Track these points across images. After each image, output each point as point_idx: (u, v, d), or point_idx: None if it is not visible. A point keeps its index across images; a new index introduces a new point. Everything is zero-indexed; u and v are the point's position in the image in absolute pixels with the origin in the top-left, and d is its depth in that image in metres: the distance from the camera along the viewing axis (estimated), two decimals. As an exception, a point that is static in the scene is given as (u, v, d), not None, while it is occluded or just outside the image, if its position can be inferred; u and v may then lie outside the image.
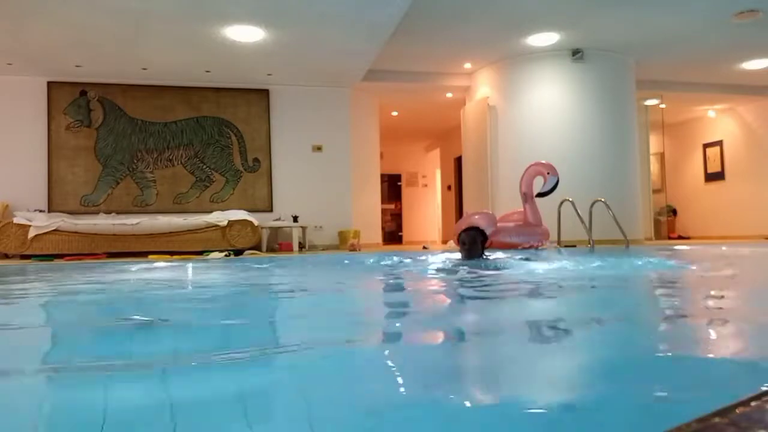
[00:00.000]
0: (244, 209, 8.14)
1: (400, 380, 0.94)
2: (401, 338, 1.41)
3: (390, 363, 1.07)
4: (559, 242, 7.28)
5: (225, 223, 7.46)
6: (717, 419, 0.55)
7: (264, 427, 0.76)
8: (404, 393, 0.87)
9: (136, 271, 4.22)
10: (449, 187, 13.08)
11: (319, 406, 0.82)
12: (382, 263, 4.61)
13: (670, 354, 1.16)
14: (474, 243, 3.74)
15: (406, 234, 14.88)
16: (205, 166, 8.45)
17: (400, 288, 3.08)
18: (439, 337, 1.41)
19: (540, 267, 3.81)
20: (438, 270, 3.73)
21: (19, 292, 2.94)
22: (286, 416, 0.80)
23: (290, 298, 2.58)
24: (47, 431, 0.80)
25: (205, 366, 1.07)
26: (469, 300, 2.26)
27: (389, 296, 2.76)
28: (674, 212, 12.30)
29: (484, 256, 3.86)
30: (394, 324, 1.73)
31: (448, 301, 2.33)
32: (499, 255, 4.11)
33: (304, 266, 4.90)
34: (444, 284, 2.94)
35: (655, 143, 11.50)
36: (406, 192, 15.11)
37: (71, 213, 7.77)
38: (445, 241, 11.37)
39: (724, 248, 3.39)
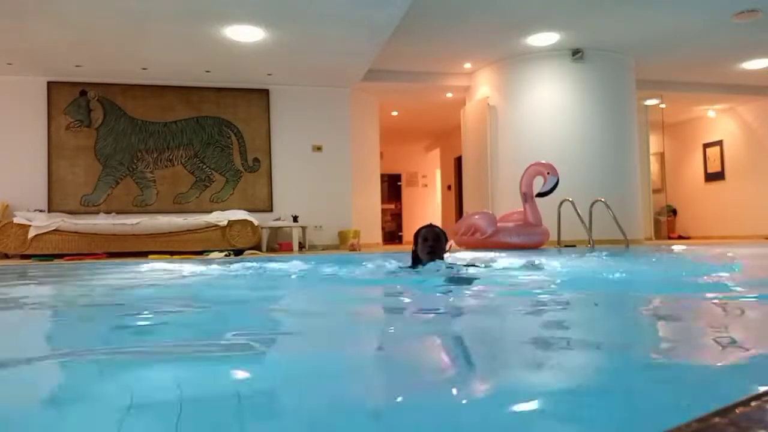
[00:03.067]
0: (244, 209, 8.14)
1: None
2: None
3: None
4: (559, 242, 7.28)
5: (225, 223, 7.46)
6: (717, 419, 0.55)
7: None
8: None
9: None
10: (449, 187, 13.08)
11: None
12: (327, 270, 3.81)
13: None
14: (438, 241, 3.06)
15: (406, 234, 14.88)
16: (205, 166, 8.45)
17: None
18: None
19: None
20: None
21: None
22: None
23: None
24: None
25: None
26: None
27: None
28: (674, 212, 12.30)
29: (445, 260, 3.11)
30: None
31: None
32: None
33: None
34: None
35: (655, 143, 11.50)
36: (406, 192, 15.12)
37: (71, 213, 7.77)
38: (445, 241, 11.36)
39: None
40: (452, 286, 2.56)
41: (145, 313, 1.96)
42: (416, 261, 3.13)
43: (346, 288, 2.98)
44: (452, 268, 2.96)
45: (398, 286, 2.81)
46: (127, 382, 0.96)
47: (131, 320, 1.79)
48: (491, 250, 6.01)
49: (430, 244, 3.04)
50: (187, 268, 4.27)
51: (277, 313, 2.06)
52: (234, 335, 1.43)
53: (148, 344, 1.39)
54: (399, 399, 0.87)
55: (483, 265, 3.35)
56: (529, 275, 3.18)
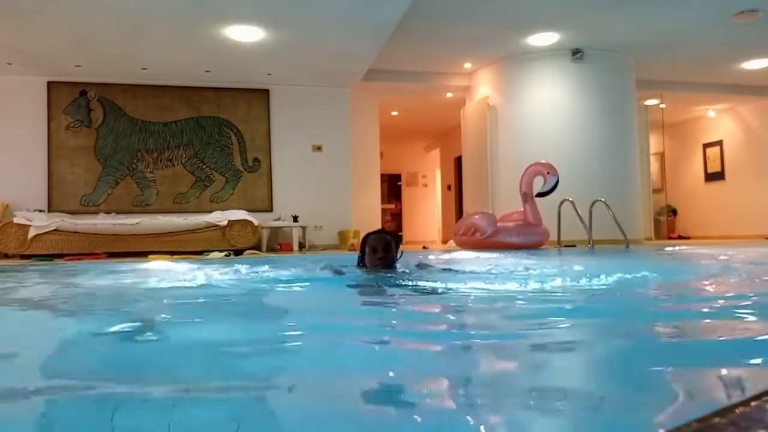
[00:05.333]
0: (244, 209, 8.14)
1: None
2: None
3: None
4: (559, 242, 7.28)
5: (225, 223, 7.46)
6: (717, 419, 0.55)
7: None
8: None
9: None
10: (449, 187, 13.08)
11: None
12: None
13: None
14: (388, 251, 2.80)
15: (406, 234, 14.86)
16: (205, 166, 8.45)
17: None
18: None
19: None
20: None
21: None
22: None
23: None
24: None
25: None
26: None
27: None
28: (674, 212, 12.30)
29: (398, 267, 2.84)
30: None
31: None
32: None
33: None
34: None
35: (655, 143, 11.50)
36: (406, 192, 15.11)
37: (71, 213, 7.77)
38: (445, 241, 11.37)
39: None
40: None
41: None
42: (364, 265, 2.89)
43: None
44: (402, 277, 2.69)
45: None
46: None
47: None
48: (491, 250, 6.01)
49: (380, 256, 2.78)
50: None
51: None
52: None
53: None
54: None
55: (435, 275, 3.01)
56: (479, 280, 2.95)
